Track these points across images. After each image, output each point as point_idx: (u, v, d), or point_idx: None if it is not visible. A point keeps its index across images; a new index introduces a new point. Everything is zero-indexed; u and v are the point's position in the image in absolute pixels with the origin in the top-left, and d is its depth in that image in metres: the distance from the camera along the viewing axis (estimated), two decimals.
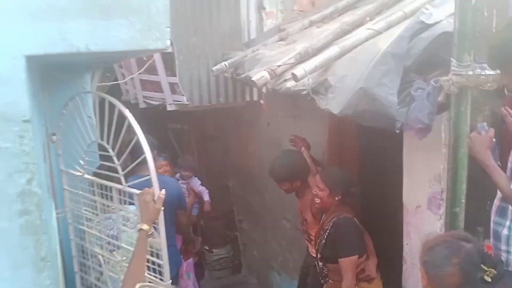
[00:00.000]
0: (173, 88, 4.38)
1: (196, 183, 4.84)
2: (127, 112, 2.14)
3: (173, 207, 3.31)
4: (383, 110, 2.05)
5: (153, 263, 2.29)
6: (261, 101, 3.12)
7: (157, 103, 4.73)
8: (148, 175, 2.15)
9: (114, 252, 2.53)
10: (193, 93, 4.32)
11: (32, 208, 1.96)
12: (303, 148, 3.41)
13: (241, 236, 5.78)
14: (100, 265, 2.65)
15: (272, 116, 4.23)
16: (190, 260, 4.11)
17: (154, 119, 5.39)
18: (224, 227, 5.75)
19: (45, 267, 2.06)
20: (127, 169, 2.34)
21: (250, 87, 4.38)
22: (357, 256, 2.78)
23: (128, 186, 2.34)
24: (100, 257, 2.62)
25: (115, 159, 2.31)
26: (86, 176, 2.56)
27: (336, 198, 2.85)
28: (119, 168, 2.31)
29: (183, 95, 4.24)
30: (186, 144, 6.16)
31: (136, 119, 2.18)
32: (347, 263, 2.75)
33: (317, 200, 2.91)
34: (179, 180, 4.49)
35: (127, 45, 1.87)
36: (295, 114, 3.94)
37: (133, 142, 2.18)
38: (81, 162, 2.55)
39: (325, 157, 3.65)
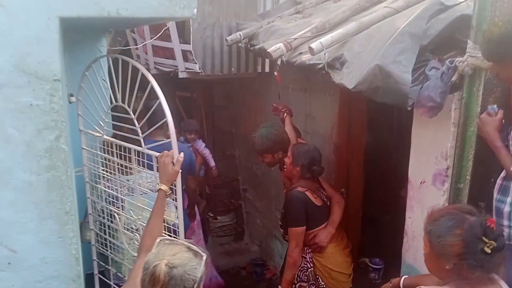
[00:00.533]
0: (185, 55, 4.40)
1: (201, 145, 4.97)
2: (150, 77, 2.22)
3: (185, 172, 3.41)
4: (396, 88, 2.09)
5: (167, 223, 2.40)
6: (275, 73, 3.16)
7: (168, 69, 4.74)
8: (161, 140, 2.25)
9: (131, 210, 2.66)
10: (206, 62, 4.35)
11: (59, 164, 2.07)
12: (285, 114, 3.45)
13: (245, 204, 5.90)
14: (111, 221, 2.79)
15: (283, 88, 4.27)
16: (199, 219, 4.24)
17: (163, 86, 5.42)
18: (229, 196, 5.87)
19: (69, 220, 2.18)
20: (147, 132, 2.44)
21: (263, 59, 4.40)
22: (303, 227, 2.92)
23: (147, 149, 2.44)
24: (116, 215, 2.75)
25: (135, 121, 2.40)
26: (105, 137, 2.65)
27: (296, 169, 3.00)
28: (139, 131, 2.40)
29: (196, 63, 4.27)
30: (194, 112, 6.22)
31: (145, 84, 2.26)
32: (291, 232, 2.95)
33: (285, 167, 3.09)
34: (183, 143, 4.57)
35: (156, 11, 1.93)
36: (306, 87, 3.99)
37: (155, 106, 2.26)
38: (101, 123, 2.64)
39: (334, 131, 3.72)
